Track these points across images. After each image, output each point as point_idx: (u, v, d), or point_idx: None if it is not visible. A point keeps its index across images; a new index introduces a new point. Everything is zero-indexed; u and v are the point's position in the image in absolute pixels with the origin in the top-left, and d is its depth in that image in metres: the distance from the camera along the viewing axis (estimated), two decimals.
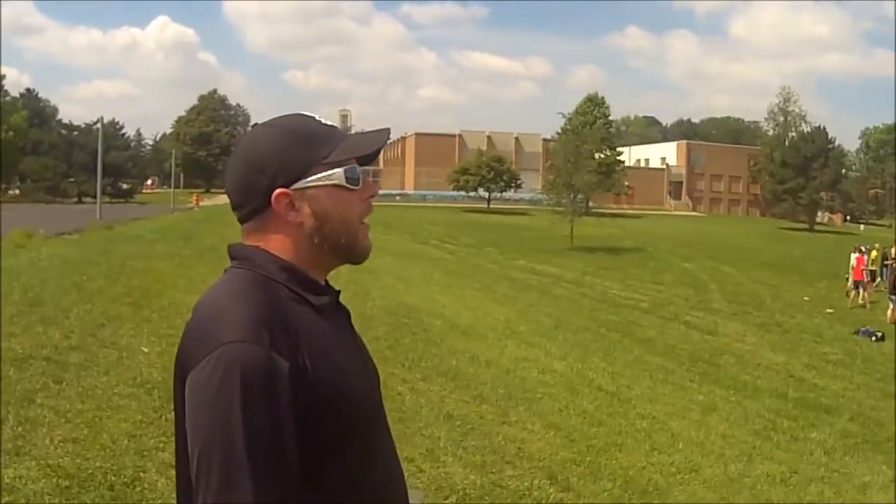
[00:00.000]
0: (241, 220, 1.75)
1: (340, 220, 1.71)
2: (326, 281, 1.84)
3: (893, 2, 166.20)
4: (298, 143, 1.69)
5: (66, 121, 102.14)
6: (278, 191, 1.66)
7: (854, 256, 29.69)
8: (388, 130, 1.84)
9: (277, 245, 1.71)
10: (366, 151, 1.77)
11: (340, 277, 1.85)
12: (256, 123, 1.95)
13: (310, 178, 1.67)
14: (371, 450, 1.74)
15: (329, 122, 1.79)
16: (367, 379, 1.81)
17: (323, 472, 1.61)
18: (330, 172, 1.68)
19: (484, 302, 20.70)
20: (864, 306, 27.50)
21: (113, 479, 5.39)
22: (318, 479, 1.59)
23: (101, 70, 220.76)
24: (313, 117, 1.78)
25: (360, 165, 1.76)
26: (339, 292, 1.85)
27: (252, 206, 1.70)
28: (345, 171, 1.69)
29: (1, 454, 5.60)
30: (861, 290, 28.50)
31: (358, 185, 1.72)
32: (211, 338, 1.54)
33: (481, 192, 75.06)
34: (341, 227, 1.72)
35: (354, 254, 1.80)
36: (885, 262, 32.60)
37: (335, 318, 1.78)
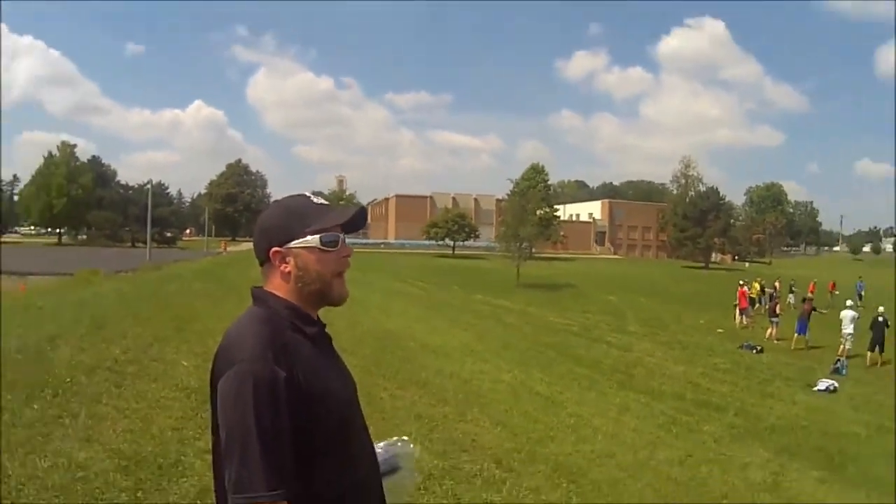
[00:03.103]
0: (261, 267, 1.99)
1: (316, 273, 1.93)
2: (317, 315, 2.03)
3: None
4: (290, 216, 1.95)
5: (123, 182, 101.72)
6: (273, 249, 1.92)
7: (739, 289, 30.09)
8: (355, 206, 2.06)
9: (278, 287, 1.95)
10: (338, 222, 1.97)
11: (337, 310, 2.06)
12: (275, 200, 2.17)
13: (294, 242, 1.91)
14: (350, 443, 1.92)
15: (321, 202, 2.00)
16: (345, 390, 1.98)
17: (314, 466, 1.80)
18: (309, 238, 1.90)
19: (449, 328, 20.69)
20: (747, 327, 27.80)
21: (161, 460, 5.47)
22: (311, 473, 1.79)
23: (151, 142, 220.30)
24: (308, 197, 2.01)
25: (346, 232, 1.99)
26: (324, 325, 2.03)
27: (261, 258, 1.97)
28: (320, 238, 1.91)
29: (76, 441, 5.69)
30: (743, 315, 28.86)
31: (335, 247, 1.94)
32: (232, 357, 1.78)
33: (448, 241, 74.81)
34: (317, 277, 1.93)
35: (329, 299, 1.98)
36: (764, 292, 33.10)
37: (322, 344, 1.98)
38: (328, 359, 1.99)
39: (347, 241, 1.99)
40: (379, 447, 2.21)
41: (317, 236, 1.92)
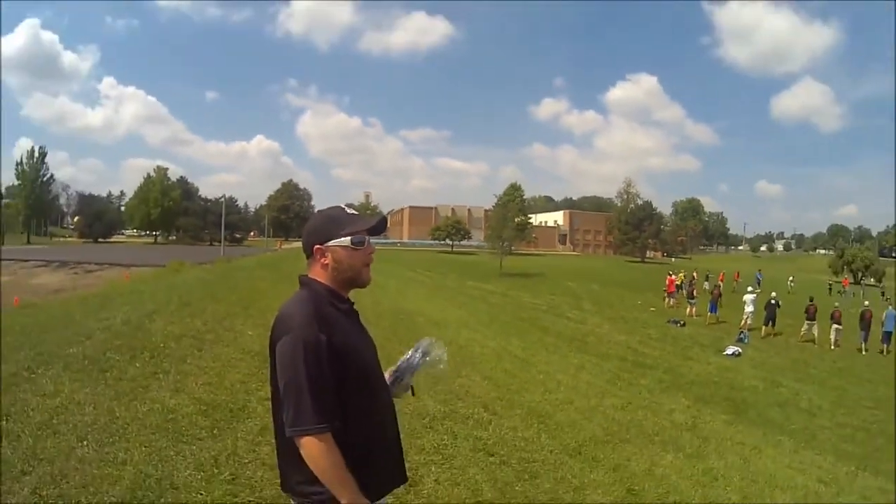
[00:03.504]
0: (307, 260, 2.06)
1: (348, 265, 1.99)
2: (348, 296, 2.08)
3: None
4: (330, 222, 2.01)
5: (203, 196, 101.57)
6: (316, 246, 1.99)
7: (667, 278, 30.13)
8: (378, 215, 2.12)
9: (318, 275, 2.01)
10: (365, 227, 2.02)
11: (363, 291, 2.13)
12: (318, 210, 2.24)
13: (332, 241, 1.98)
14: (374, 393, 2.00)
15: (352, 212, 2.06)
16: (368, 351, 2.04)
17: (348, 407, 1.87)
18: (343, 239, 1.98)
19: (449, 306, 20.70)
20: (673, 307, 27.82)
21: (231, 406, 5.48)
22: (346, 413, 1.86)
23: (224, 167, 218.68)
24: (343, 209, 2.06)
25: (371, 234, 2.03)
26: (353, 302, 2.08)
27: (307, 253, 2.02)
28: (351, 239, 1.98)
29: (168, 391, 5.70)
30: (670, 298, 28.88)
31: (362, 245, 2.00)
32: (287, 326, 1.87)
33: (448, 241, 74.83)
34: (348, 268, 2.00)
35: (358, 283, 2.04)
36: (686, 280, 33.10)
37: (351, 317, 2.05)
38: (356, 328, 2.05)
39: (372, 241, 2.04)
40: (410, 352, 2.33)
41: (348, 238, 1.97)
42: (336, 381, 1.84)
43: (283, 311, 1.94)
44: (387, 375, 2.22)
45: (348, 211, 2.06)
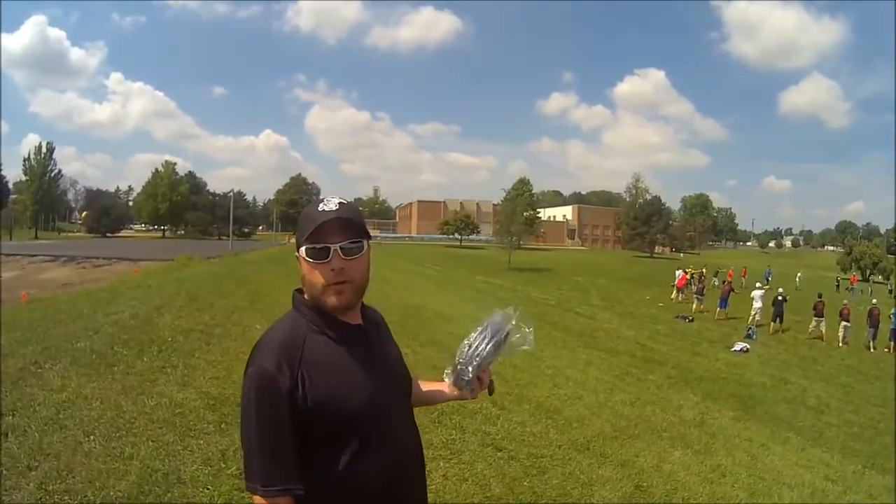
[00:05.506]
0: None
1: (308, 282, 1.54)
2: (363, 313, 1.65)
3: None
4: (301, 223, 1.54)
5: (211, 191, 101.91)
6: (296, 253, 1.56)
7: (678, 273, 29.97)
8: (326, 216, 1.50)
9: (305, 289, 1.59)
10: (306, 234, 1.51)
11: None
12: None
13: (300, 249, 1.53)
14: (369, 437, 1.52)
15: (325, 209, 1.52)
16: (363, 386, 1.53)
17: (323, 456, 1.49)
18: (302, 248, 1.51)
19: (457, 300, 20.63)
20: (681, 302, 27.67)
21: (239, 400, 5.46)
22: (321, 461, 1.49)
23: (232, 161, 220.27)
24: (316, 205, 1.55)
25: (313, 243, 1.50)
26: (363, 323, 1.63)
27: None
28: (305, 249, 1.51)
29: (175, 385, 5.69)
30: (679, 294, 28.74)
31: (322, 259, 1.50)
32: (253, 357, 1.51)
33: (456, 235, 74.81)
34: (309, 286, 1.54)
35: (325, 307, 1.54)
36: (693, 276, 32.93)
37: (354, 343, 1.56)
38: (358, 356, 1.56)
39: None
40: (476, 335, 1.87)
41: (304, 247, 1.52)
42: (302, 434, 1.47)
43: (263, 334, 1.58)
44: (447, 378, 1.86)
45: (320, 208, 1.53)
